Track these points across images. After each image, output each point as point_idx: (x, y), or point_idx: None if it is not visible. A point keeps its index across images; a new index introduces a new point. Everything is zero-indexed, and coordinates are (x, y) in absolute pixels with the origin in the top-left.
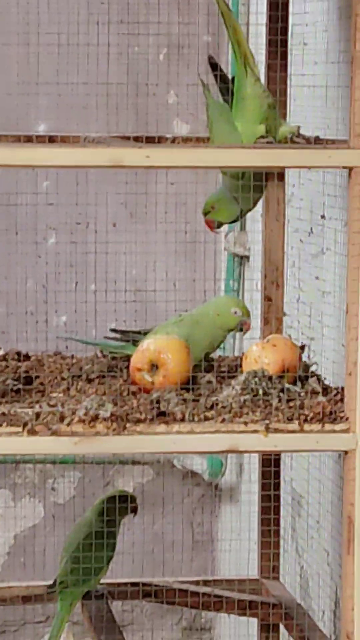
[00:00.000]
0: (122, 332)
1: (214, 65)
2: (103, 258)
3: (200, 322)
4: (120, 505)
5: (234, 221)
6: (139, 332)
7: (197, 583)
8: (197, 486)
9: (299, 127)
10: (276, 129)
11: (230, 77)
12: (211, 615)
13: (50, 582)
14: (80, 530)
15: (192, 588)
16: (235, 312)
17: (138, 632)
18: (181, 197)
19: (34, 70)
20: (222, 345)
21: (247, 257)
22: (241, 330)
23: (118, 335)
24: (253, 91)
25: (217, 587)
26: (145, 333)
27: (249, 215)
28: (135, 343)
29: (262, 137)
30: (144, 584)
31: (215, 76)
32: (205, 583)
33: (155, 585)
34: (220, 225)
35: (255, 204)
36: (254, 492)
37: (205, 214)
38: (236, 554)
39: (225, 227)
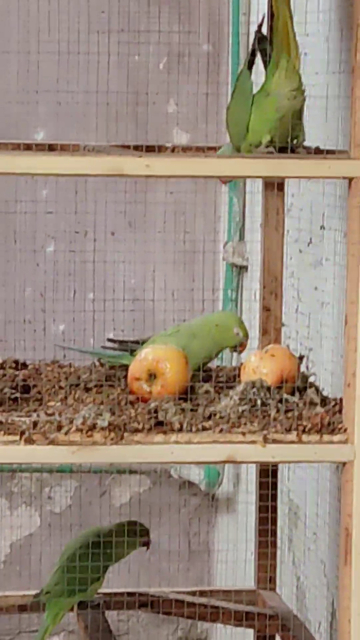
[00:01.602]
0: (120, 342)
1: (261, 39)
2: (101, 267)
3: (198, 334)
4: (129, 539)
5: None
6: (136, 342)
7: (193, 593)
8: (194, 496)
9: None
10: (302, 132)
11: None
12: (207, 626)
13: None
14: (74, 542)
15: (189, 598)
16: (238, 333)
17: None
18: (180, 207)
19: (34, 78)
20: (220, 356)
21: (246, 267)
22: (236, 350)
23: (116, 345)
24: (277, 88)
25: (213, 597)
26: (143, 342)
27: (247, 225)
28: (132, 353)
29: (268, 145)
30: (140, 594)
31: (261, 51)
32: (202, 593)
33: (152, 595)
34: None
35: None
36: (251, 502)
37: None
38: (233, 565)
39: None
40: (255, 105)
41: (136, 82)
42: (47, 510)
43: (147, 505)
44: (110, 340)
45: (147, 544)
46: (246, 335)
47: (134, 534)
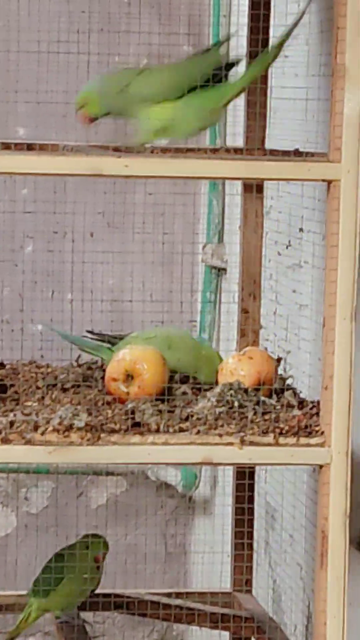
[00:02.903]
0: (99, 334)
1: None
2: (80, 267)
3: (174, 346)
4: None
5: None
6: (115, 337)
7: (169, 595)
8: (170, 498)
9: None
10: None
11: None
12: (183, 628)
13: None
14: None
15: (164, 600)
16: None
17: None
18: (159, 208)
19: (14, 77)
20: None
21: (225, 270)
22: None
23: (95, 337)
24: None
25: (189, 599)
26: (121, 338)
27: (227, 227)
28: (111, 347)
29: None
30: (116, 595)
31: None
32: (178, 595)
33: (127, 597)
34: (94, 119)
35: None
36: (227, 504)
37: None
38: (209, 567)
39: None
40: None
41: None
42: (24, 511)
43: (124, 507)
44: (89, 331)
45: (96, 559)
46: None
47: (89, 547)
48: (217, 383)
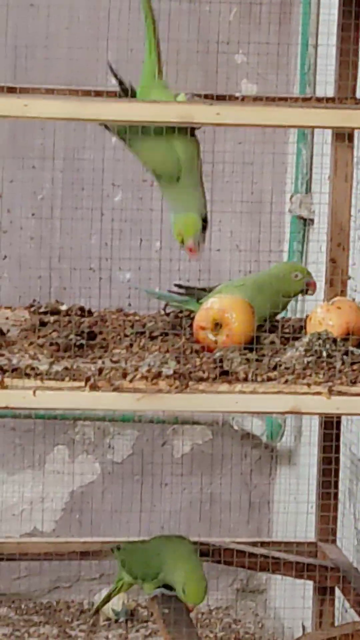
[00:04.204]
0: (187, 287)
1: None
2: (168, 216)
3: (263, 288)
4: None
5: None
6: (203, 290)
7: (253, 544)
8: (254, 448)
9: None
10: None
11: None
12: (265, 578)
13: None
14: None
15: (249, 549)
16: (296, 276)
17: None
18: (248, 156)
19: (104, 25)
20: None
21: (312, 220)
22: (307, 292)
23: (182, 291)
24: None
25: (273, 549)
26: (210, 290)
27: (315, 177)
28: (199, 300)
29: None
30: (201, 544)
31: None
32: (262, 545)
33: (212, 545)
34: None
35: None
36: (312, 454)
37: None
38: (293, 517)
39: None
40: None
41: (207, 32)
42: (108, 459)
43: (208, 456)
44: (177, 285)
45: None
46: (308, 274)
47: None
48: (305, 333)
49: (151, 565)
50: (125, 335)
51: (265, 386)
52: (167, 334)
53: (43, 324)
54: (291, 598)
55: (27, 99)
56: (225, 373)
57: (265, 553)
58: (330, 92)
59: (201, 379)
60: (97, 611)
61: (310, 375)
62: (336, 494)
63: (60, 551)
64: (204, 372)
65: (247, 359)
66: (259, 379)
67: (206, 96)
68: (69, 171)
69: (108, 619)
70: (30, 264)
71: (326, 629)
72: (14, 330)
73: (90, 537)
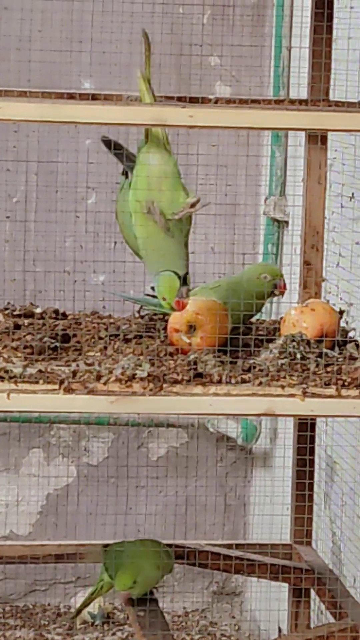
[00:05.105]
0: None
1: (108, 143)
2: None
3: (236, 290)
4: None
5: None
6: None
7: (229, 547)
8: (230, 450)
9: (198, 199)
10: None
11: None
12: (241, 580)
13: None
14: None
15: (224, 551)
16: (265, 277)
17: (168, 594)
18: (222, 159)
19: (78, 27)
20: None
21: (286, 222)
22: (276, 294)
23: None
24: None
25: (249, 551)
26: None
27: (289, 179)
28: None
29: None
30: (177, 546)
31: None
32: (237, 547)
33: (188, 548)
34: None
35: None
36: (287, 456)
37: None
38: (269, 519)
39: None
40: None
41: (180, 34)
42: (84, 462)
43: (184, 459)
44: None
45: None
46: (278, 275)
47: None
48: (280, 335)
49: (119, 565)
50: (100, 338)
51: (239, 388)
52: (141, 337)
53: (17, 326)
54: (267, 600)
55: (0, 101)
56: (199, 375)
57: (240, 555)
58: (303, 94)
59: (175, 382)
60: (79, 613)
61: (284, 377)
62: (311, 496)
63: (36, 554)
64: (178, 374)
65: (222, 361)
66: (233, 381)
67: (179, 98)
68: (44, 174)
69: (84, 622)
70: (4, 267)
71: (302, 631)
72: None
73: (66, 540)
